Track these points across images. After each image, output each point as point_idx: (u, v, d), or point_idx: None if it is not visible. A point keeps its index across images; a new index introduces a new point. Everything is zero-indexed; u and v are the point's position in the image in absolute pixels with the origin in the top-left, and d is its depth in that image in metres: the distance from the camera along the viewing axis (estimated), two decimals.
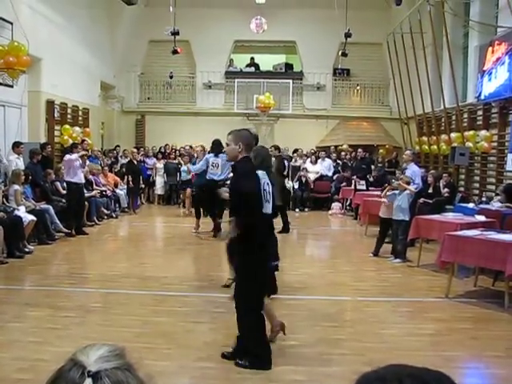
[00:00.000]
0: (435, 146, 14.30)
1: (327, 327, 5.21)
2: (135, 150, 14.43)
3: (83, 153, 10.64)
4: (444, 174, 11.77)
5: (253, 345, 4.26)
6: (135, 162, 13.81)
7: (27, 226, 8.51)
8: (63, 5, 12.96)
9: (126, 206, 13.62)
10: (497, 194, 9.70)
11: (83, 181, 10.62)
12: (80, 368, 0.93)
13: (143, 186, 14.89)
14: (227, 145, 4.42)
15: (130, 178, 13.56)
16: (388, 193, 8.61)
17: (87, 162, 11.26)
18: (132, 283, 6.77)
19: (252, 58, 19.72)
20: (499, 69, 10.80)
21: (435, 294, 6.45)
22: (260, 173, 4.60)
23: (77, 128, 13.80)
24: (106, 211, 12.16)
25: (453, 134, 13.13)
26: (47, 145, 11.44)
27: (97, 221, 11.50)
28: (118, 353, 0.99)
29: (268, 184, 4.76)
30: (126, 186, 13.67)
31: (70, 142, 13.06)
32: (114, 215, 12.56)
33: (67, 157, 10.22)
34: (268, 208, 4.70)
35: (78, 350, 0.98)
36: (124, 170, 14.30)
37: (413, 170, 9.02)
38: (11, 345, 4.53)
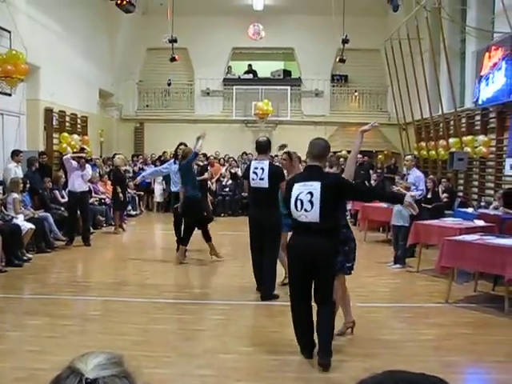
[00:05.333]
0: (434, 152, 14.31)
1: None
2: (121, 157, 12.90)
3: (77, 155, 10.36)
4: (443, 180, 11.76)
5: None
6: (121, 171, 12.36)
7: (26, 235, 8.49)
8: (61, 13, 12.97)
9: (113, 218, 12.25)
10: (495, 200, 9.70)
11: (81, 189, 9.95)
12: (78, 375, 0.93)
13: (127, 195, 13.07)
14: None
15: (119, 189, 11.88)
16: None
17: (87, 166, 10.28)
18: (131, 291, 6.75)
19: (250, 65, 19.77)
20: (496, 74, 10.83)
21: (435, 300, 6.44)
22: None
23: (75, 136, 13.79)
24: (101, 218, 12.04)
25: (451, 140, 13.14)
26: (42, 154, 11.41)
27: (92, 229, 11.07)
28: (116, 360, 0.98)
29: None
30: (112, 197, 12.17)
31: (69, 150, 13.02)
32: (112, 223, 12.49)
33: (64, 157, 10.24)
34: None
35: (76, 357, 0.98)
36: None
37: (416, 176, 8.68)
38: (10, 354, 4.51)
